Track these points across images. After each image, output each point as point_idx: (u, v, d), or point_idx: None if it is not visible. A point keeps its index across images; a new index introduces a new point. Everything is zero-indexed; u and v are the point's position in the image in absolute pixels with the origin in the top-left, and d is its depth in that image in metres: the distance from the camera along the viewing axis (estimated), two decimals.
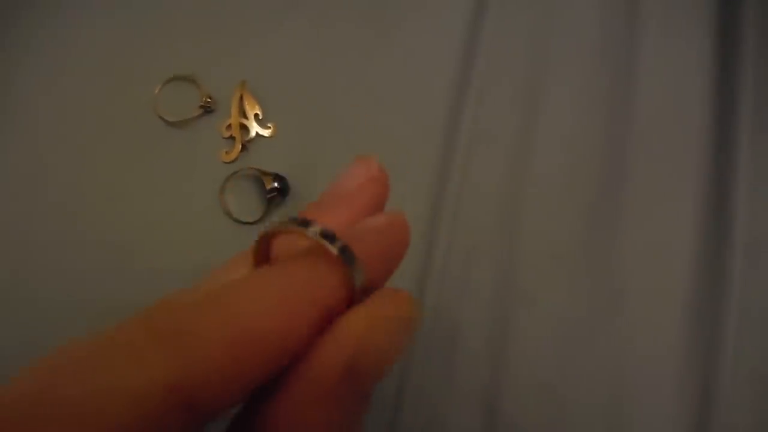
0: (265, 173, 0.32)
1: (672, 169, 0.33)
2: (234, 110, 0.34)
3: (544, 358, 0.30)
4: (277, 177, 0.32)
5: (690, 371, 0.29)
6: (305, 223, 0.15)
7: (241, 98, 0.34)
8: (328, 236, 0.15)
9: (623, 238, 0.32)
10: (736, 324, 0.30)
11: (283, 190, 0.32)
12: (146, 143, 0.34)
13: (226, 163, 0.33)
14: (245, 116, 0.34)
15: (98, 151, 0.34)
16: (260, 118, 0.34)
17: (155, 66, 0.35)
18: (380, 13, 0.36)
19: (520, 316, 0.31)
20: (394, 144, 0.33)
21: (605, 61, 0.34)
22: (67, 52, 0.35)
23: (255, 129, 0.34)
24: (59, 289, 0.31)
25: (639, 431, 0.29)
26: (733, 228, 0.31)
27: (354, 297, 0.15)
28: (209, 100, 0.34)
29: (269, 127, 0.34)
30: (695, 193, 0.32)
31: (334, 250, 0.15)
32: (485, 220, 0.32)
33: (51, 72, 0.35)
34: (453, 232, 0.32)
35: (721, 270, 0.31)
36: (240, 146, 0.33)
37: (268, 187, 0.32)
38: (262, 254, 0.16)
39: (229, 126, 0.34)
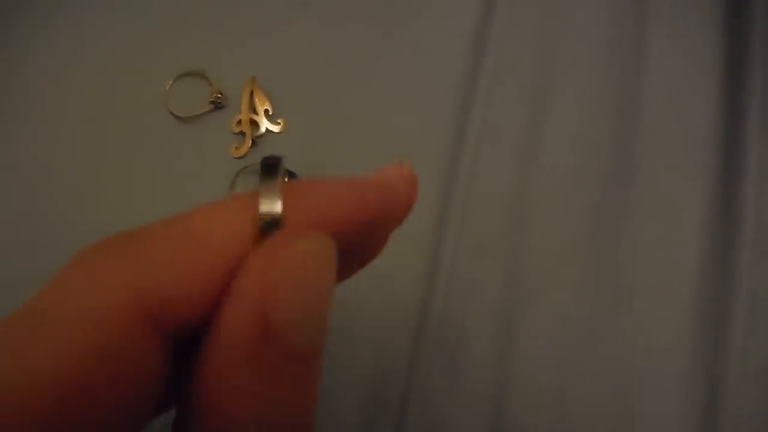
0: None
1: (679, 167, 0.33)
2: (244, 106, 0.34)
3: (551, 357, 0.30)
4: (287, 172, 0.32)
5: (696, 369, 0.30)
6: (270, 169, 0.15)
7: (252, 94, 0.34)
8: (270, 165, 0.14)
9: (630, 237, 0.32)
10: (742, 322, 0.30)
11: None
12: (157, 138, 0.34)
13: (236, 158, 0.34)
14: (255, 112, 0.34)
15: (109, 146, 0.34)
16: (270, 113, 0.34)
17: (166, 61, 0.35)
18: (390, 12, 0.36)
19: (527, 315, 0.31)
20: (403, 141, 0.34)
21: (613, 60, 0.35)
22: (79, 47, 0.36)
23: (265, 125, 0.34)
24: None
25: (646, 427, 0.29)
26: (740, 226, 0.31)
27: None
28: (220, 95, 0.34)
29: (279, 123, 0.34)
30: (702, 191, 0.32)
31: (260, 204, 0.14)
32: (493, 219, 0.32)
33: (62, 66, 0.35)
34: (461, 230, 0.32)
35: (727, 268, 0.31)
36: (250, 142, 0.33)
37: None
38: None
39: (239, 121, 0.34)
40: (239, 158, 0.34)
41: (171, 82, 0.35)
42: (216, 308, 0.13)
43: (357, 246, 0.16)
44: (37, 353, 0.12)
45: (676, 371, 0.30)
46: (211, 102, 0.34)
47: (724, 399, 0.29)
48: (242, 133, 0.34)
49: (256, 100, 0.34)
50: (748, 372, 0.29)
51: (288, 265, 0.12)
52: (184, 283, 0.13)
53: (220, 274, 0.13)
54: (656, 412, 0.29)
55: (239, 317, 0.12)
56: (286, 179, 0.32)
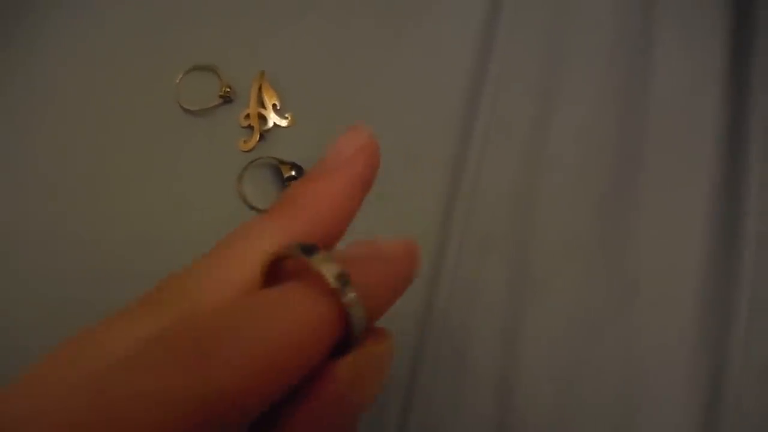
0: (283, 162, 0.33)
1: (684, 162, 0.33)
2: (253, 100, 0.34)
3: (557, 350, 0.30)
4: (294, 166, 0.32)
5: (700, 365, 0.30)
6: (310, 251, 0.15)
7: (260, 89, 0.34)
8: (341, 277, 0.15)
9: (636, 231, 0.32)
10: (746, 316, 0.30)
11: None
12: (166, 131, 0.34)
13: (244, 151, 0.34)
14: (263, 106, 0.34)
15: (119, 139, 0.34)
16: (278, 108, 0.35)
17: (177, 56, 0.35)
18: (398, 9, 0.36)
19: (532, 310, 0.31)
20: (410, 136, 0.34)
21: (619, 57, 0.35)
22: (90, 42, 0.36)
23: (273, 119, 0.34)
24: (80, 271, 0.32)
25: (650, 422, 0.29)
26: (745, 221, 0.31)
27: (351, 334, 0.15)
28: (229, 89, 0.34)
29: (287, 118, 0.34)
30: (707, 186, 0.32)
31: (342, 297, 0.15)
32: (499, 214, 0.32)
33: (73, 61, 0.36)
34: (468, 223, 0.32)
35: (732, 263, 0.31)
36: (258, 135, 0.34)
37: (286, 175, 0.32)
38: (271, 274, 0.16)
39: (248, 115, 0.34)
40: (247, 152, 0.34)
41: (181, 76, 0.35)
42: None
43: None
44: None
45: (680, 367, 0.30)
46: (221, 96, 0.34)
47: (727, 394, 0.29)
48: (250, 127, 0.34)
49: (265, 94, 0.34)
50: (752, 368, 0.29)
51: (371, 367, 0.16)
52: (253, 389, 0.13)
53: (294, 374, 0.14)
54: (660, 407, 0.29)
55: (322, 396, 0.15)
56: (293, 172, 0.32)
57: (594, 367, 0.30)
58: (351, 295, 0.15)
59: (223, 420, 0.13)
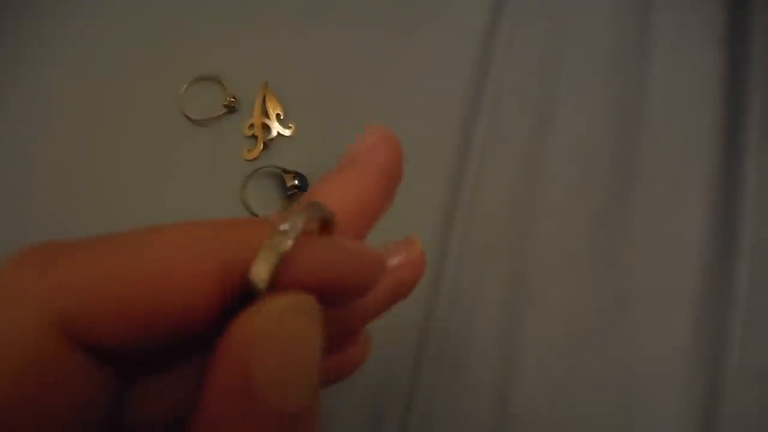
0: (287, 171, 0.33)
1: (681, 173, 0.33)
2: (257, 110, 0.35)
3: (554, 360, 0.31)
4: (297, 175, 0.33)
5: (697, 370, 0.30)
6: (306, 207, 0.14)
7: (264, 98, 0.35)
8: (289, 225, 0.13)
9: (632, 243, 0.32)
10: (742, 323, 0.30)
11: (303, 188, 0.33)
12: (171, 140, 0.35)
13: (247, 161, 0.34)
14: (267, 116, 0.35)
15: (124, 148, 0.35)
16: (282, 118, 0.35)
17: (182, 66, 0.36)
18: (399, 20, 0.37)
19: (530, 318, 0.31)
20: (411, 145, 0.34)
21: (616, 69, 0.35)
22: (97, 51, 0.37)
23: (276, 128, 0.35)
24: None
25: (646, 428, 0.29)
26: (740, 231, 0.31)
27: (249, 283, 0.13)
28: (233, 99, 0.35)
29: (290, 127, 0.35)
30: (703, 197, 0.33)
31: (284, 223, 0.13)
32: (498, 224, 0.33)
33: (79, 70, 0.36)
34: (466, 235, 0.32)
35: (728, 272, 0.31)
36: (262, 145, 0.34)
37: (289, 184, 0.33)
38: None
39: (252, 125, 0.35)
40: (251, 161, 0.34)
41: (186, 86, 0.36)
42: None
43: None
44: None
45: (676, 377, 0.30)
46: (225, 106, 0.35)
47: (723, 402, 0.29)
48: (254, 137, 0.35)
49: (269, 104, 0.35)
50: (747, 376, 0.30)
51: (267, 324, 0.12)
52: (107, 315, 0.12)
53: (160, 314, 0.12)
54: (656, 416, 0.30)
55: (222, 377, 0.12)
56: (296, 181, 0.33)
57: (591, 376, 0.30)
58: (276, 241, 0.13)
59: (80, 342, 0.12)
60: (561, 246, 0.32)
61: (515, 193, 0.33)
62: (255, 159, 0.34)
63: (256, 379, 0.12)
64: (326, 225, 0.14)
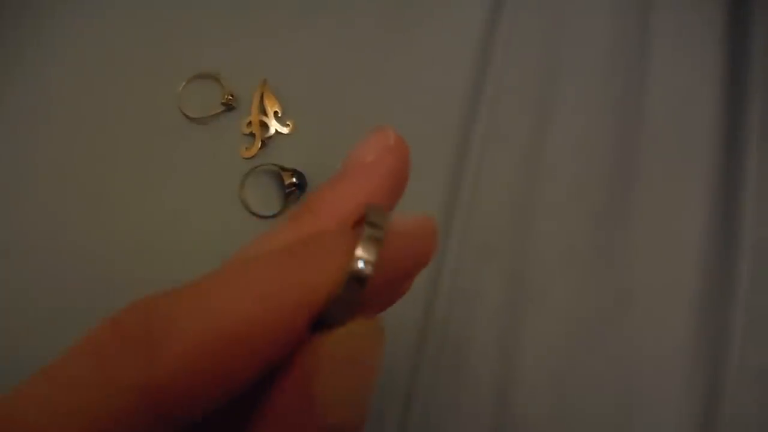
0: (285, 169, 0.33)
1: (681, 171, 0.33)
2: (255, 108, 0.35)
3: (554, 358, 0.31)
4: (296, 173, 0.33)
5: (697, 369, 0.30)
6: (377, 218, 0.14)
7: (262, 96, 0.35)
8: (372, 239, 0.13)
9: (632, 241, 0.32)
10: (742, 323, 0.30)
11: (301, 186, 0.33)
12: (169, 138, 0.35)
13: (246, 158, 0.34)
14: (265, 114, 0.35)
15: (122, 146, 0.35)
16: (280, 115, 0.35)
17: (179, 64, 0.36)
18: (398, 17, 0.37)
19: (530, 316, 0.31)
20: (410, 143, 0.34)
21: (616, 68, 0.35)
22: (94, 49, 0.36)
23: (274, 126, 0.35)
24: (81, 279, 0.32)
25: (647, 425, 0.29)
26: (741, 229, 0.31)
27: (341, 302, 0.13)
28: (231, 97, 0.35)
29: (288, 125, 0.35)
30: (704, 195, 0.33)
31: (361, 253, 0.13)
32: (497, 222, 0.33)
33: (76, 68, 0.36)
34: (466, 230, 0.32)
35: (728, 270, 0.31)
36: (260, 143, 0.34)
37: (287, 182, 0.33)
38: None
39: (250, 123, 0.35)
40: (249, 159, 0.34)
41: (184, 84, 0.35)
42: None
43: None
44: None
45: (676, 375, 0.30)
46: (223, 104, 0.35)
47: (724, 396, 0.29)
48: (252, 135, 0.35)
49: (266, 102, 0.35)
50: (747, 375, 0.30)
51: (334, 346, 0.13)
52: (200, 383, 0.12)
53: (252, 373, 0.13)
54: (657, 415, 0.30)
55: (286, 391, 0.13)
56: (294, 179, 0.33)
57: (591, 375, 0.30)
58: (362, 260, 0.13)
59: (170, 409, 0.12)
60: (561, 245, 0.32)
61: (515, 192, 0.33)
62: (253, 157, 0.34)
63: (317, 397, 0.12)
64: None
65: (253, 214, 0.33)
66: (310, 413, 0.12)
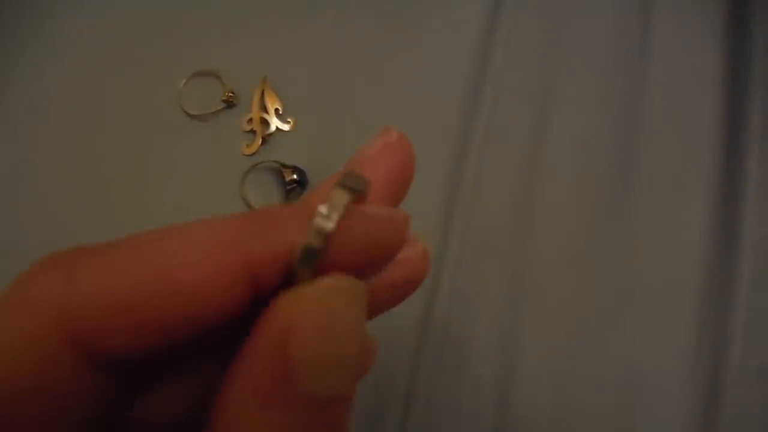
0: (285, 166, 0.33)
1: (682, 169, 0.33)
2: (255, 105, 0.35)
3: (555, 355, 0.31)
4: (296, 170, 0.33)
5: (698, 366, 0.30)
6: (343, 183, 0.13)
7: (263, 93, 0.35)
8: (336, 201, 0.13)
9: (632, 238, 0.32)
10: (743, 320, 0.30)
11: (302, 183, 0.33)
12: (170, 136, 0.35)
13: (246, 155, 0.34)
14: (266, 111, 0.35)
15: (123, 142, 0.35)
16: (280, 112, 0.35)
17: (180, 61, 0.36)
18: (399, 15, 0.37)
19: (532, 313, 0.31)
20: (411, 140, 0.34)
21: (616, 65, 0.35)
22: (95, 47, 0.37)
23: (275, 123, 0.35)
24: None
25: (648, 422, 0.29)
26: (742, 226, 0.31)
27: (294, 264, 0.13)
28: (232, 94, 0.35)
29: (289, 122, 0.35)
30: (704, 193, 0.33)
31: (321, 220, 0.13)
32: (498, 219, 0.33)
33: (78, 66, 0.36)
34: (466, 227, 0.32)
35: (729, 268, 0.31)
36: (260, 140, 0.34)
37: (288, 179, 0.33)
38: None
39: (251, 120, 0.35)
40: (250, 155, 0.34)
41: (185, 81, 0.35)
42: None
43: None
44: None
45: (677, 373, 0.30)
46: (224, 101, 0.35)
47: (725, 394, 0.29)
48: (253, 132, 0.35)
49: (267, 99, 0.35)
50: (748, 371, 0.30)
51: (309, 304, 0.12)
52: (122, 325, 0.12)
53: (183, 314, 0.12)
54: (657, 412, 0.30)
55: (259, 355, 0.12)
56: (294, 176, 0.33)
57: (591, 372, 0.30)
58: (321, 222, 0.12)
59: (94, 347, 0.12)
60: (561, 243, 0.32)
61: (515, 190, 0.33)
62: (254, 154, 0.34)
63: (293, 359, 0.11)
64: (360, 195, 0.14)
65: (254, 210, 0.33)
66: (286, 378, 0.11)
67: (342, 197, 0.13)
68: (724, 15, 0.35)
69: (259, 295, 0.13)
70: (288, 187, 0.33)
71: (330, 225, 0.13)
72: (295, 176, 0.33)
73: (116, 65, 0.36)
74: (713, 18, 0.35)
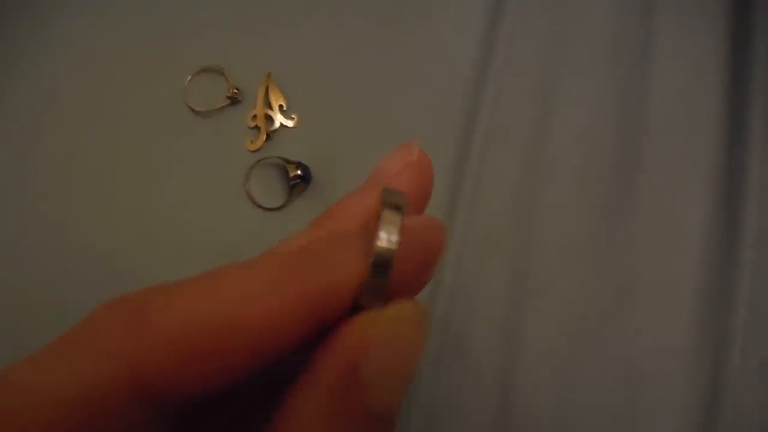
0: (289, 161, 0.33)
1: (684, 163, 0.33)
2: (260, 101, 0.35)
3: (557, 350, 0.31)
4: (300, 165, 0.33)
5: (699, 361, 0.30)
6: (389, 201, 0.14)
7: (267, 90, 0.35)
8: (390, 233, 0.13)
9: (635, 233, 0.32)
10: (745, 315, 0.30)
11: (306, 178, 0.33)
12: (175, 132, 0.35)
13: (251, 151, 0.35)
14: (270, 107, 0.35)
15: (128, 139, 0.35)
16: (284, 109, 0.35)
17: (185, 58, 0.36)
18: (401, 11, 0.37)
19: (534, 308, 0.31)
20: (412, 136, 0.34)
21: (619, 60, 0.35)
22: (100, 44, 0.37)
23: (279, 119, 0.35)
24: (87, 271, 0.32)
25: (649, 421, 0.30)
26: (743, 221, 0.31)
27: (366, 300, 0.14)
28: (236, 91, 0.35)
29: (293, 118, 0.35)
30: (706, 186, 0.33)
31: (382, 241, 0.13)
32: (500, 214, 0.33)
33: (83, 62, 0.36)
34: (469, 225, 0.32)
35: (730, 262, 0.31)
36: (265, 136, 0.35)
37: (292, 174, 0.33)
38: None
39: (255, 116, 0.35)
40: (254, 151, 0.35)
41: (190, 77, 0.36)
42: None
43: None
44: (11, 417, 0.11)
45: (678, 367, 0.30)
46: (228, 97, 0.35)
47: (726, 388, 0.29)
48: (257, 128, 0.35)
49: (271, 95, 0.35)
50: (750, 365, 0.30)
51: (385, 327, 0.13)
52: (190, 359, 0.12)
53: (250, 351, 0.12)
54: (658, 406, 0.30)
55: (331, 370, 0.12)
56: (298, 171, 0.33)
57: (594, 367, 0.31)
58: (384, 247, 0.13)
59: (158, 392, 0.12)
60: (563, 238, 0.32)
61: (517, 187, 0.33)
62: (258, 150, 0.35)
63: (364, 376, 0.12)
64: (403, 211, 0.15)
65: (258, 206, 0.34)
66: (355, 392, 0.12)
67: (395, 219, 0.13)
68: (725, 14, 0.35)
69: (321, 329, 0.13)
70: (292, 183, 0.33)
71: (393, 248, 0.13)
72: (299, 171, 0.33)
73: (121, 62, 0.36)
74: (715, 17, 0.35)
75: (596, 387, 0.30)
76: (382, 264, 0.13)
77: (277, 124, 0.35)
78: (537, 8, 0.36)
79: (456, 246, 0.32)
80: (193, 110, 0.35)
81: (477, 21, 0.36)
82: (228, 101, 0.35)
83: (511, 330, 0.31)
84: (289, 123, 0.35)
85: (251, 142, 0.35)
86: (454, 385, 0.30)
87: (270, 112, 0.35)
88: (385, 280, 0.13)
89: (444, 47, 0.36)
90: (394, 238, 0.13)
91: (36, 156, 0.35)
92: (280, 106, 0.35)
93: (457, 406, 0.30)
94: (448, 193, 0.33)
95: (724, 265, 0.31)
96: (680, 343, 0.31)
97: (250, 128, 0.35)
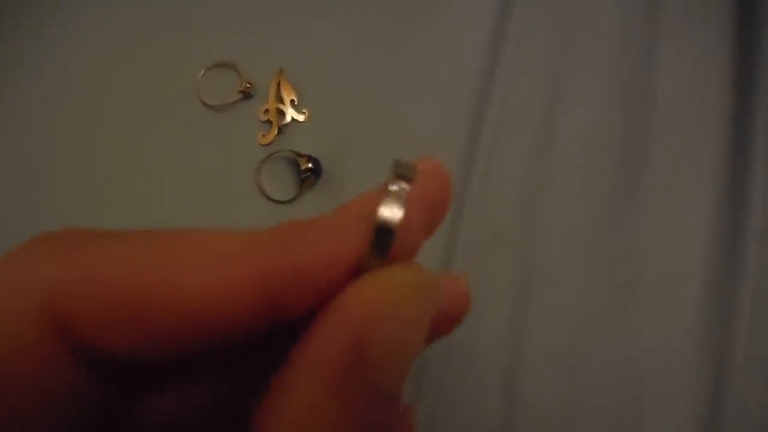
0: (300, 155, 0.34)
1: (688, 162, 0.34)
2: (271, 96, 0.36)
3: (563, 345, 0.31)
4: (311, 159, 0.34)
5: (703, 358, 0.30)
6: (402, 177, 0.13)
7: (279, 85, 0.36)
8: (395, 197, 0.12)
9: (640, 228, 0.33)
10: (749, 313, 0.30)
11: (317, 171, 0.34)
12: (188, 126, 0.36)
13: (262, 145, 0.35)
14: (282, 102, 0.36)
15: (142, 133, 0.36)
16: (296, 103, 0.36)
17: (198, 53, 0.37)
18: (412, 9, 0.37)
19: (540, 303, 0.32)
20: (422, 132, 0.35)
21: (625, 57, 0.36)
22: (114, 39, 0.37)
23: (291, 114, 0.35)
24: None
25: (654, 416, 0.30)
26: (748, 218, 0.32)
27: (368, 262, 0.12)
28: (248, 86, 0.36)
29: (304, 113, 0.36)
30: (710, 185, 0.33)
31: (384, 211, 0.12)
32: (507, 210, 0.33)
33: (97, 57, 0.37)
34: (476, 217, 0.33)
35: (735, 259, 0.31)
36: (276, 130, 0.35)
37: (303, 167, 0.33)
38: None
39: (267, 111, 0.36)
40: (266, 145, 0.35)
41: (203, 72, 0.36)
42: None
43: None
44: None
45: (683, 359, 0.31)
46: (240, 92, 0.36)
47: (730, 388, 0.30)
48: (269, 122, 0.35)
49: (283, 90, 0.36)
50: (754, 362, 0.30)
51: (391, 291, 0.12)
52: (113, 312, 0.11)
53: (185, 324, 0.11)
54: (663, 401, 0.30)
55: (332, 342, 0.11)
56: (310, 164, 0.33)
57: (599, 361, 0.31)
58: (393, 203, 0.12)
59: (69, 338, 0.11)
60: (570, 233, 0.33)
61: (524, 183, 0.34)
62: (270, 143, 0.35)
63: (369, 349, 0.11)
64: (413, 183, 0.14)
65: (270, 199, 0.34)
66: (360, 366, 0.11)
67: (408, 170, 0.13)
68: (731, 14, 0.36)
69: (280, 322, 0.12)
70: (303, 176, 0.34)
71: (396, 218, 0.12)
72: (310, 165, 0.33)
73: (135, 57, 0.37)
74: (720, 16, 0.36)
75: (601, 382, 0.30)
76: (383, 234, 0.12)
77: (288, 119, 0.35)
78: (544, 9, 0.37)
79: (463, 241, 0.32)
80: (205, 104, 0.36)
81: (485, 21, 0.37)
82: (240, 96, 0.36)
83: (517, 324, 0.31)
84: (300, 117, 0.36)
85: (263, 135, 0.35)
86: (459, 381, 0.30)
87: (282, 107, 0.36)
88: (385, 252, 0.12)
89: (453, 46, 0.36)
90: (398, 211, 0.12)
91: (46, 151, 0.35)
92: (292, 101, 0.36)
93: (463, 402, 0.30)
94: (456, 189, 0.33)
95: (727, 264, 0.32)
96: (683, 342, 0.31)
97: (261, 122, 0.36)
